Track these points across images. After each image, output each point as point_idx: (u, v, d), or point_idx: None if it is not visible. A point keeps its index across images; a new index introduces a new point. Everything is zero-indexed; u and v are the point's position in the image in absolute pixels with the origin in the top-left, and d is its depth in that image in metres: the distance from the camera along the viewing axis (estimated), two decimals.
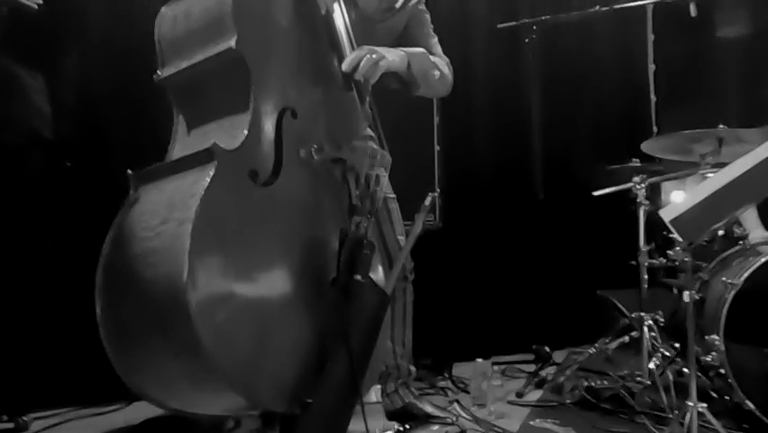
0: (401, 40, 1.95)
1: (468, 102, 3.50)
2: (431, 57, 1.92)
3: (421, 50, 1.89)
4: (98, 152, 2.35)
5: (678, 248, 2.25)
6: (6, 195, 2.11)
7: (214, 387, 1.26)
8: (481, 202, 3.44)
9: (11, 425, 2.30)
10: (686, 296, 1.66)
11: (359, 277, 1.42)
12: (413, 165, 2.65)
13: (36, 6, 1.34)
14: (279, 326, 1.37)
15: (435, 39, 2.05)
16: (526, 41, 3.01)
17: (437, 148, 2.84)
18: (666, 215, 1.26)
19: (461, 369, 2.92)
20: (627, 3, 2.98)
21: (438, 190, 2.82)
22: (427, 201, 1.58)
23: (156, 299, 1.25)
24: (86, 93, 2.40)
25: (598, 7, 2.96)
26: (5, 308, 2.25)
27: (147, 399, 1.37)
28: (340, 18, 1.66)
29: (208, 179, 1.29)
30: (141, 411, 2.49)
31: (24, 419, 2.32)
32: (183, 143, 1.51)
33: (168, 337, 1.26)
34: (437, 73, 1.89)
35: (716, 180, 1.29)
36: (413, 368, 2.23)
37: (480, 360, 2.49)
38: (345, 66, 1.63)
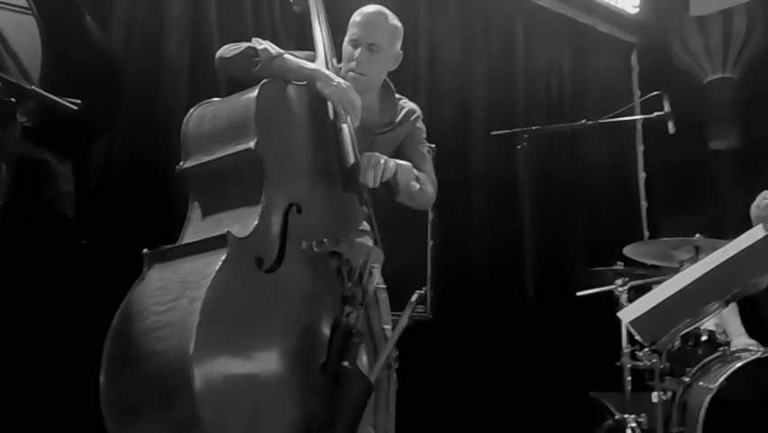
0: (396, 152, 2.08)
1: (464, 200, 3.69)
2: (416, 171, 2.03)
3: (408, 163, 2.01)
4: (112, 233, 2.51)
5: (646, 350, 2.32)
6: (22, 270, 2.24)
7: None
8: (472, 298, 3.54)
9: None
10: (654, 396, 1.71)
11: (347, 364, 1.50)
12: (406, 258, 2.79)
13: (75, 108, 1.52)
14: (271, 406, 1.45)
15: (428, 157, 2.17)
16: (518, 147, 3.24)
17: (430, 243, 2.98)
18: (625, 316, 1.36)
19: None
20: (613, 118, 3.22)
21: (428, 285, 2.93)
22: (414, 297, 1.69)
23: (162, 370, 1.34)
24: (107, 179, 2.60)
25: (584, 121, 3.21)
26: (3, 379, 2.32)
27: None
28: (346, 126, 1.82)
29: (220, 263, 1.41)
30: None
31: None
32: (196, 228, 1.65)
33: (169, 409, 1.33)
34: (417, 186, 2.00)
35: (673, 284, 1.39)
36: None
37: None
38: (371, 184, 1.78)
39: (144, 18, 2.86)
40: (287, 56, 1.84)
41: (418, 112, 2.17)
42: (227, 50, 1.89)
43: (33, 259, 2.25)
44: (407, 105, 2.16)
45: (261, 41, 1.86)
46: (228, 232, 1.47)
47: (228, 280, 1.41)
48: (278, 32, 3.20)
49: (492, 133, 3.21)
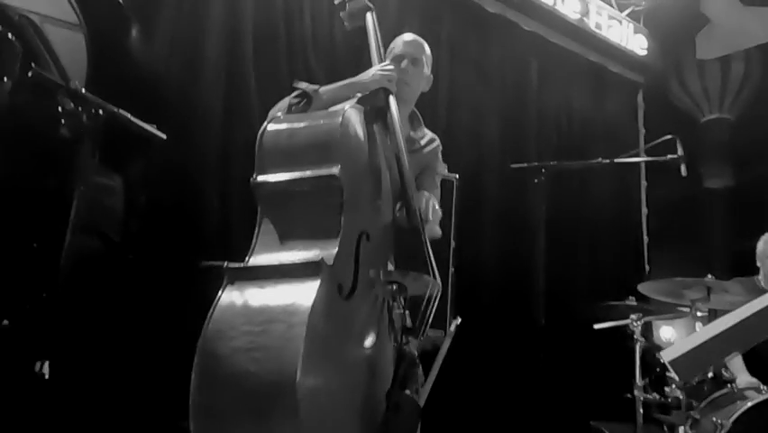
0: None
1: (480, 230, 3.82)
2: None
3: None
4: (160, 249, 2.59)
5: (674, 385, 2.41)
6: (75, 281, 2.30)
7: None
8: (486, 320, 3.64)
9: None
10: (680, 431, 1.81)
11: (408, 392, 1.55)
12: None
13: (165, 137, 1.58)
14: (346, 428, 1.50)
15: (438, 189, 2.27)
16: (536, 181, 3.36)
17: (452, 270, 3.08)
18: (667, 356, 1.46)
19: None
20: (626, 158, 3.36)
21: (449, 308, 3.02)
22: (452, 327, 1.75)
23: (259, 391, 1.37)
24: (155, 200, 2.70)
25: (600, 159, 3.34)
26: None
27: None
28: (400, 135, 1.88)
29: (316, 289, 1.43)
30: None
31: None
32: (270, 246, 1.61)
33: (264, 426, 1.36)
34: (439, 231, 2.06)
35: (713, 327, 1.50)
36: None
37: None
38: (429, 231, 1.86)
39: (184, 34, 2.97)
40: (323, 88, 1.95)
41: (438, 141, 2.30)
42: (276, 111, 1.95)
43: (88, 270, 2.30)
44: (430, 133, 2.30)
45: (300, 82, 1.97)
46: (322, 259, 1.48)
47: (321, 307, 1.43)
48: (307, 49, 3.33)
49: (511, 165, 3.32)
